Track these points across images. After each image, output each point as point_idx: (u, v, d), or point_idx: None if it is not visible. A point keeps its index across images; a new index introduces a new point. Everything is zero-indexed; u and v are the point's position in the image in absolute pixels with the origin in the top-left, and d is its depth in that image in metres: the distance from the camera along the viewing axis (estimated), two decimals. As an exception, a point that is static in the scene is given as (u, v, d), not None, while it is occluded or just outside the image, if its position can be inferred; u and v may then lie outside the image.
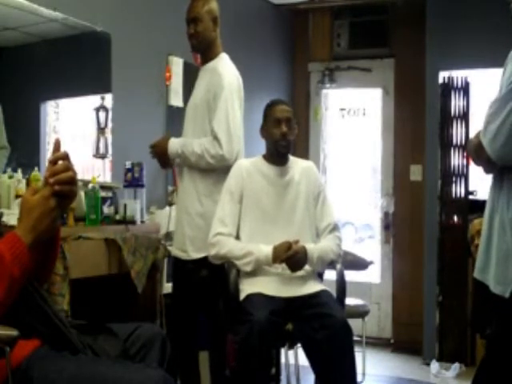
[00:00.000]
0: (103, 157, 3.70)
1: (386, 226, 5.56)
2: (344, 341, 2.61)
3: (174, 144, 3.03)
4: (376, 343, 5.31)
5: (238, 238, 2.92)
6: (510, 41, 2.22)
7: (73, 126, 3.69)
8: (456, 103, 4.81)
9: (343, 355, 2.62)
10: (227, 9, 3.44)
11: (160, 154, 3.10)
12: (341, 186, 5.93)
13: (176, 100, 4.18)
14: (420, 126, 5.06)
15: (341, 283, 2.91)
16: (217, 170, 2.99)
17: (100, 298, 3.11)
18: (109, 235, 2.94)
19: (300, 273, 2.84)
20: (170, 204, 3.73)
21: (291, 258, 2.78)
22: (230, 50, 3.15)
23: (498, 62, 2.14)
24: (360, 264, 4.30)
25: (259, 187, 2.96)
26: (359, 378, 2.76)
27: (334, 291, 2.90)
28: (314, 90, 5.87)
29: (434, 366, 4.60)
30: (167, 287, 3.32)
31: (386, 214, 5.56)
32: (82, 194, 3.04)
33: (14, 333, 1.51)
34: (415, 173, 5.38)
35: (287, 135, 2.95)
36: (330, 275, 3.02)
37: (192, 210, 3.01)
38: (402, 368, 4.79)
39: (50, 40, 3.50)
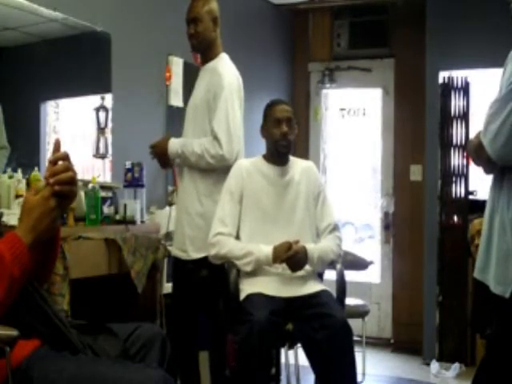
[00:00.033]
0: (103, 157, 3.70)
1: (386, 226, 5.56)
2: (344, 341, 2.61)
3: (174, 144, 3.03)
4: (376, 343, 5.31)
5: (238, 238, 2.92)
6: (509, 41, 2.22)
7: (73, 126, 3.69)
8: (456, 103, 4.81)
9: (343, 355, 2.62)
10: (227, 9, 3.44)
11: (160, 154, 3.10)
12: (341, 186, 5.93)
13: (176, 100, 4.18)
14: (420, 126, 5.06)
15: (341, 283, 2.91)
16: (217, 170, 2.99)
17: (100, 298, 3.11)
18: (109, 235, 2.94)
19: (300, 273, 2.84)
20: (170, 204, 3.73)
21: (291, 258, 2.78)
22: (230, 50, 3.15)
23: (498, 61, 2.14)
24: (360, 264, 4.30)
25: (259, 187, 2.96)
26: (359, 378, 2.76)
27: (334, 291, 2.90)
28: (314, 90, 5.87)
29: (434, 366, 4.60)
30: (167, 287, 3.32)
31: (385, 214, 5.56)
32: (81, 194, 3.04)
33: (14, 333, 1.51)
34: (415, 173, 5.38)
35: (287, 135, 2.95)
36: (330, 275, 3.02)
37: (192, 210, 3.01)
38: (402, 368, 4.79)
39: (49, 40, 3.50)
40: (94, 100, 3.69)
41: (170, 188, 4.02)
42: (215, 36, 3.08)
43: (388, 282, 5.52)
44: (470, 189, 4.78)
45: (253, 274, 2.83)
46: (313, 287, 2.85)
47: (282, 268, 2.83)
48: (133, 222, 3.26)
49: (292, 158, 3.08)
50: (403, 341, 5.26)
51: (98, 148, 3.68)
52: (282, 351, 3.09)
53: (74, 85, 3.64)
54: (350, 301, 3.46)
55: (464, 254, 4.61)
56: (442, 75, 4.84)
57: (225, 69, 3.01)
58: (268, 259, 2.80)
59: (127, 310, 3.16)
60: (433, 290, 4.78)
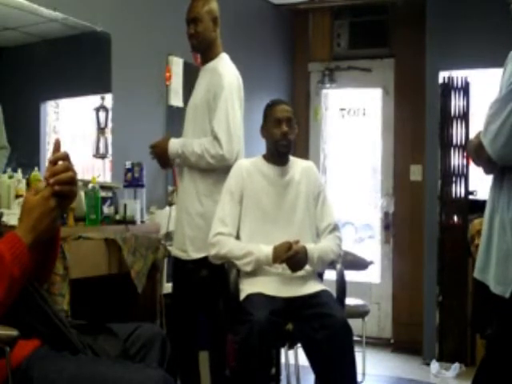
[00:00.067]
0: (103, 157, 3.70)
1: (386, 226, 5.56)
2: (344, 341, 2.61)
3: (174, 144, 3.03)
4: (376, 343, 5.31)
5: (238, 238, 2.92)
6: (509, 41, 2.23)
7: (73, 126, 3.69)
8: (456, 103, 4.81)
9: (343, 355, 2.62)
10: (227, 9, 3.44)
11: (160, 154, 3.10)
12: (341, 186, 5.93)
13: (176, 100, 4.18)
14: (420, 126, 5.06)
15: (341, 283, 2.91)
16: (217, 170, 2.99)
17: (100, 298, 3.11)
18: (109, 235, 2.94)
19: (300, 273, 2.84)
20: (170, 204, 3.73)
21: (291, 258, 2.78)
22: (230, 50, 3.15)
23: (498, 62, 2.14)
24: (360, 264, 4.30)
25: (259, 187, 2.96)
26: (359, 377, 2.76)
27: (334, 291, 2.90)
28: (314, 90, 5.87)
29: (434, 366, 4.60)
30: (167, 287, 3.32)
31: (385, 214, 5.56)
32: (81, 194, 3.04)
33: (14, 333, 1.51)
34: (415, 173, 5.38)
35: (288, 135, 2.95)
36: (330, 275, 3.02)
37: (192, 210, 3.01)
38: (402, 368, 4.79)
39: (49, 40, 3.50)
40: (93, 100, 3.69)
41: (170, 188, 4.02)
42: (215, 36, 3.08)
43: (388, 282, 5.52)
44: (470, 189, 4.78)
45: (253, 274, 2.83)
46: (313, 287, 2.85)
47: (282, 268, 2.83)
48: (133, 222, 3.26)
49: (292, 158, 3.08)
50: (403, 341, 5.26)
51: (98, 148, 3.68)
52: (282, 351, 3.09)
53: (73, 85, 3.64)
54: (349, 301, 3.46)
55: (464, 253, 4.61)
56: (442, 75, 4.84)
57: (225, 69, 3.01)
58: (268, 259, 2.80)
59: (127, 309, 3.16)
60: (433, 290, 4.78)
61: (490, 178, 2.12)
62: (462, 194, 4.79)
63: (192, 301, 3.06)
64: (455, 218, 4.81)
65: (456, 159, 4.80)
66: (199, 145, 2.94)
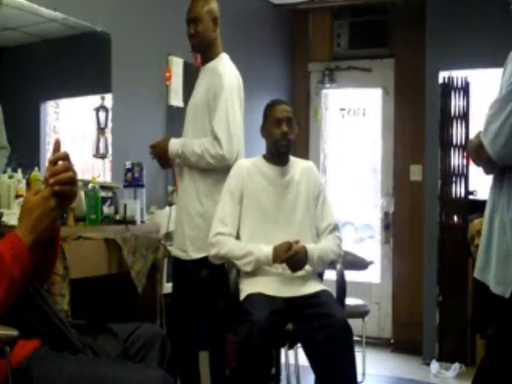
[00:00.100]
0: (103, 157, 3.70)
1: (386, 226, 5.56)
2: (344, 341, 2.61)
3: (174, 144, 3.03)
4: (376, 343, 5.31)
5: (238, 238, 2.92)
6: (509, 41, 2.22)
7: (73, 126, 3.69)
8: (456, 103, 4.81)
9: (343, 355, 2.62)
10: (227, 9, 3.44)
11: (160, 154, 3.10)
12: (341, 186, 5.93)
13: (176, 100, 4.18)
14: (420, 126, 5.06)
15: (341, 283, 2.91)
16: (217, 170, 2.99)
17: (100, 298, 3.11)
18: (109, 235, 2.94)
19: (300, 273, 2.84)
20: (170, 204, 3.73)
21: (292, 258, 2.78)
22: (230, 50, 3.15)
23: (498, 62, 2.14)
24: (360, 264, 4.30)
25: (259, 187, 2.96)
26: (359, 377, 2.76)
27: (334, 291, 2.90)
28: (314, 90, 5.87)
29: (434, 366, 4.60)
30: (167, 287, 3.32)
31: (386, 214, 5.56)
32: (82, 194, 3.04)
33: (14, 333, 1.51)
34: (415, 173, 5.38)
35: (288, 135, 2.95)
36: (330, 275, 3.02)
37: (192, 210, 3.01)
38: (402, 368, 4.79)
39: (49, 40, 3.50)
40: (94, 100, 3.69)
41: (170, 188, 4.02)
42: (215, 36, 3.08)
43: (388, 282, 5.52)
44: (470, 189, 4.78)
45: (253, 274, 2.83)
46: (313, 287, 2.85)
47: (282, 268, 2.83)
48: (133, 222, 3.26)
49: (292, 158, 3.08)
50: (403, 341, 5.26)
51: (98, 148, 3.68)
52: (282, 351, 3.09)
53: (74, 85, 3.64)
54: (349, 301, 3.46)
55: (464, 253, 4.61)
56: (442, 75, 4.84)
57: (225, 69, 3.01)
58: (268, 259, 2.80)
59: (127, 309, 3.16)
60: (433, 290, 4.78)
61: (489, 178, 2.12)
62: (462, 194, 4.79)
63: (192, 301, 3.06)
64: (455, 218, 4.81)
65: (456, 159, 4.80)
66: (199, 145, 2.94)
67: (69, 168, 1.56)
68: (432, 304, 4.79)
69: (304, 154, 5.46)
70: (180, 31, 3.20)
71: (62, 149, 1.59)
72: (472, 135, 2.15)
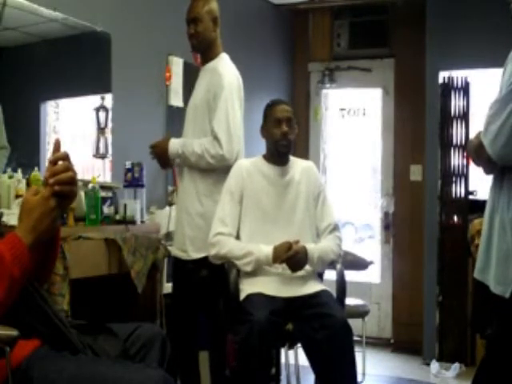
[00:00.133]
0: (103, 157, 3.70)
1: (386, 226, 5.56)
2: (344, 341, 2.61)
3: (174, 144, 3.03)
4: (376, 343, 5.31)
5: (238, 238, 2.92)
6: (510, 41, 2.22)
7: (73, 126, 3.69)
8: (456, 103, 4.81)
9: (343, 355, 2.62)
10: (227, 9, 3.44)
11: (160, 154, 3.10)
12: (341, 186, 5.93)
13: (176, 100, 4.18)
14: (420, 126, 5.06)
15: (341, 283, 2.91)
16: (217, 170, 2.99)
17: (100, 298, 3.11)
18: (109, 235, 2.94)
19: (300, 273, 2.84)
20: (170, 204, 3.73)
21: (292, 258, 2.78)
22: (230, 50, 3.15)
23: (498, 62, 2.14)
24: (360, 264, 4.30)
25: (259, 187, 2.96)
26: (359, 377, 2.76)
27: (334, 291, 2.90)
28: (314, 90, 5.87)
29: (434, 366, 4.60)
30: (167, 287, 3.32)
31: (386, 214, 5.56)
32: (81, 194, 3.04)
33: (14, 333, 1.51)
34: (415, 173, 5.38)
35: (288, 135, 2.95)
36: (330, 275, 3.02)
37: (192, 210, 3.01)
38: (402, 368, 4.79)
39: (49, 40, 3.50)
40: (94, 100, 3.68)
41: (170, 188, 4.02)
42: (215, 36, 3.08)
43: (388, 282, 5.52)
44: (470, 189, 4.78)
45: (253, 274, 2.83)
46: (313, 287, 2.85)
47: (282, 268, 2.83)
48: (133, 222, 3.26)
49: (292, 158, 3.08)
50: (403, 341, 5.26)
51: (98, 148, 3.68)
52: (282, 351, 3.09)
53: (74, 85, 3.64)
54: (349, 301, 3.46)
55: (464, 253, 4.61)
56: (442, 75, 4.84)
57: (225, 69, 3.01)
58: (268, 259, 2.80)
59: (127, 309, 3.16)
60: (433, 290, 4.78)
61: (489, 178, 2.12)
62: (462, 194, 4.79)
63: (192, 301, 3.06)
64: (455, 218, 4.81)
65: (456, 159, 4.80)
66: (199, 145, 2.94)
67: (69, 168, 1.56)
68: (432, 304, 4.79)
69: (304, 154, 5.46)
70: (180, 31, 3.20)
71: (62, 149, 1.59)
72: (472, 135, 2.15)
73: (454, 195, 4.81)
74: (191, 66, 4.16)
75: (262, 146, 3.08)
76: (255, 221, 2.93)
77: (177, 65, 4.19)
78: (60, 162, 1.56)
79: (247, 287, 2.79)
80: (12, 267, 1.50)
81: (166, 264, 3.33)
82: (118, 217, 3.28)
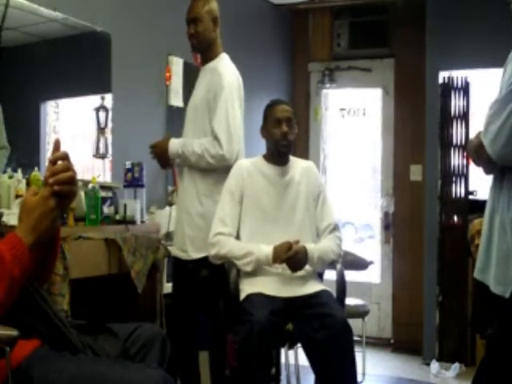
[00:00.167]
0: (103, 157, 3.70)
1: (386, 226, 5.56)
2: (344, 341, 2.61)
3: (175, 144, 3.03)
4: (376, 343, 5.31)
5: (238, 238, 2.92)
6: (509, 41, 2.22)
7: (73, 126, 3.69)
8: (456, 103, 4.81)
9: (343, 355, 2.62)
10: (227, 9, 3.44)
11: (160, 154, 3.10)
12: (341, 186, 5.93)
13: (176, 100, 4.18)
14: (420, 126, 5.06)
15: (341, 283, 2.91)
16: (217, 170, 2.99)
17: (100, 298, 3.11)
18: (109, 235, 2.94)
19: (300, 273, 2.84)
20: (170, 204, 3.73)
21: (292, 258, 2.78)
22: (230, 49, 3.15)
23: (498, 62, 2.14)
24: (360, 264, 4.30)
25: (259, 187, 2.96)
26: (359, 377, 2.76)
27: (334, 291, 2.90)
28: (314, 90, 5.87)
29: (434, 366, 4.60)
30: (167, 287, 3.32)
31: (386, 214, 5.56)
32: (81, 193, 3.04)
33: (14, 333, 1.51)
34: (415, 173, 5.38)
35: (288, 135, 2.95)
36: (330, 275, 3.02)
37: (192, 210, 3.01)
38: (402, 368, 4.79)
39: (49, 40, 3.50)
40: (93, 100, 3.68)
41: (170, 188, 4.02)
42: (215, 36, 3.08)
43: (388, 282, 5.52)
44: (470, 189, 4.78)
45: (253, 274, 2.83)
46: (313, 287, 2.85)
47: (282, 268, 2.83)
48: (133, 222, 3.26)
49: (292, 158, 3.08)
50: (403, 341, 5.26)
51: (98, 148, 3.68)
52: (282, 351, 3.09)
53: (74, 85, 3.64)
54: (350, 301, 3.46)
55: (464, 253, 4.61)
56: (442, 75, 4.84)
57: (225, 69, 3.01)
58: (268, 259, 2.80)
59: (127, 309, 3.16)
60: (433, 290, 4.78)
61: (489, 178, 2.12)
62: (462, 194, 4.79)
63: (192, 301, 3.06)
64: (455, 218, 4.81)
65: (456, 159, 4.80)
66: (199, 145, 2.94)
67: (68, 168, 1.56)
68: (432, 304, 4.79)
69: (304, 154, 5.46)
70: (180, 31, 3.20)
71: (62, 149, 1.59)
72: (472, 135, 2.15)
73: (454, 195, 4.81)
74: (191, 66, 4.16)
75: (262, 146, 3.08)
76: (255, 221, 2.93)
77: (177, 65, 4.19)
78: (60, 162, 1.56)
79: (247, 287, 2.79)
80: (12, 267, 1.50)
81: (166, 264, 3.33)
82: (117, 217, 3.27)
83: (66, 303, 2.59)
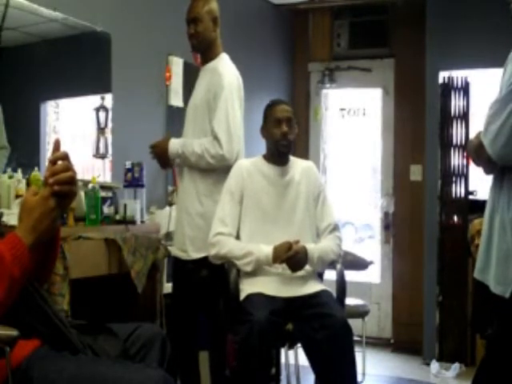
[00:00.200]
0: (103, 157, 3.70)
1: (386, 226, 5.56)
2: (344, 341, 2.61)
3: (175, 144, 3.03)
4: (376, 343, 5.31)
5: (238, 238, 2.92)
6: (510, 41, 2.22)
7: (73, 126, 3.69)
8: (456, 103, 4.81)
9: (343, 355, 2.62)
10: (227, 9, 3.44)
11: (160, 154, 3.10)
12: (341, 186, 5.93)
13: (176, 100, 4.18)
14: (420, 126, 5.06)
15: (341, 283, 2.91)
16: (217, 170, 2.99)
17: (100, 298, 3.11)
18: (109, 235, 2.94)
19: (300, 273, 2.84)
20: (170, 204, 3.73)
21: (292, 258, 2.78)
22: (230, 49, 3.15)
23: (498, 62, 2.14)
24: (360, 264, 4.29)
25: (259, 187, 2.96)
26: (359, 377, 2.76)
27: (334, 291, 2.90)
28: (314, 90, 5.87)
29: (434, 366, 4.60)
30: (167, 287, 3.32)
31: (386, 214, 5.56)
32: (81, 193, 3.04)
33: (14, 333, 1.51)
34: (415, 173, 5.38)
35: (288, 135, 2.95)
36: (330, 275, 3.02)
37: (192, 210, 3.01)
38: (402, 368, 4.79)
39: (50, 40, 3.50)
40: (94, 100, 3.68)
41: (170, 188, 4.02)
42: (215, 36, 3.08)
43: (388, 282, 5.52)
44: (470, 189, 4.78)
45: (253, 274, 2.83)
46: (313, 287, 2.85)
47: (282, 268, 2.83)
48: (133, 222, 3.26)
49: (292, 158, 3.08)
50: (403, 341, 5.26)
51: (98, 148, 3.68)
52: (282, 351, 3.09)
53: (74, 85, 3.64)
54: (349, 301, 3.46)
55: (464, 253, 4.61)
56: (442, 75, 4.84)
57: (225, 69, 3.01)
58: (268, 259, 2.80)
59: (127, 309, 3.16)
60: (433, 290, 4.78)
61: (490, 178, 2.12)
62: (462, 194, 4.79)
63: (192, 301, 3.07)
64: (455, 218, 4.81)
65: (456, 159, 4.80)
66: (199, 145, 2.94)
67: (68, 167, 1.56)
68: (432, 304, 4.79)
69: (304, 154, 5.46)
70: (180, 31, 3.20)
71: (62, 149, 1.59)
72: (472, 135, 2.15)
73: (454, 195, 4.81)
74: (191, 66, 4.16)
75: (262, 146, 3.08)
76: (255, 221, 2.93)
77: (177, 65, 4.20)
78: (60, 162, 1.56)
79: (247, 287, 2.79)
80: (12, 267, 1.49)
81: (166, 264, 3.33)
82: (118, 217, 3.27)
83: (66, 303, 2.59)
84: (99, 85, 3.72)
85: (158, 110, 4.10)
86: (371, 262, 4.42)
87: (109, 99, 3.68)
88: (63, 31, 3.47)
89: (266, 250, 2.81)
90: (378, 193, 5.68)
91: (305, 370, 3.17)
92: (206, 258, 2.91)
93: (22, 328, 1.54)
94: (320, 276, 3.06)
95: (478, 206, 3.65)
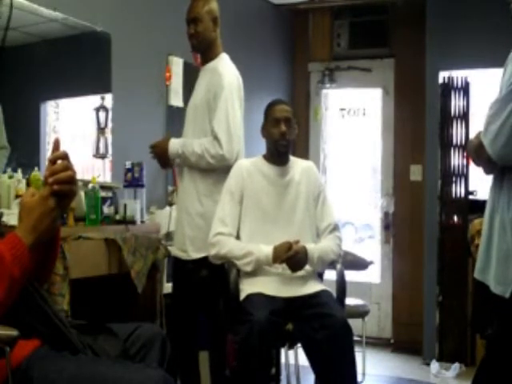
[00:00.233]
0: (103, 157, 3.70)
1: (386, 226, 5.56)
2: (344, 341, 2.61)
3: (175, 144, 3.03)
4: (376, 343, 5.31)
5: (238, 238, 2.92)
6: (509, 41, 2.22)
7: (73, 126, 3.69)
8: (456, 103, 4.81)
9: (343, 355, 2.62)
10: (227, 9, 3.44)
11: (160, 154, 3.10)
12: (341, 186, 5.93)
13: (176, 100, 4.18)
14: (420, 126, 5.06)
15: (341, 283, 2.91)
16: (217, 170, 2.99)
17: (100, 298, 3.11)
18: (109, 235, 2.94)
19: (300, 273, 2.84)
20: (170, 204, 3.73)
21: (292, 258, 2.78)
22: (230, 49, 3.15)
23: (498, 62, 2.14)
24: (360, 264, 4.30)
25: (259, 187, 2.96)
26: (359, 377, 2.76)
27: (334, 291, 2.90)
28: (314, 90, 5.87)
29: (434, 366, 4.60)
30: (167, 287, 3.32)
31: (386, 214, 5.56)
32: (81, 193, 3.04)
33: (14, 333, 1.51)
34: (415, 173, 5.38)
35: (286, 135, 2.95)
36: (330, 275, 3.02)
37: (192, 210, 3.01)
38: (402, 368, 4.79)
39: (49, 40, 3.50)
40: (94, 100, 3.68)
41: (170, 188, 4.02)
42: (215, 36, 3.08)
43: (388, 282, 5.52)
44: (470, 189, 4.78)
45: (253, 274, 2.83)
46: (313, 287, 2.85)
47: (282, 268, 2.83)
48: (133, 222, 3.26)
49: (292, 158, 3.08)
50: (403, 341, 5.26)
51: (98, 148, 3.68)
52: (282, 351, 3.09)
53: (74, 85, 3.64)
54: (349, 301, 3.46)
55: (464, 253, 4.61)
56: (442, 75, 4.84)
57: (225, 69, 3.01)
58: (268, 259, 2.80)
59: (127, 309, 3.16)
60: (433, 290, 4.78)
61: (489, 178, 2.12)
62: (462, 194, 4.79)
63: (192, 301, 3.07)
64: (455, 218, 4.81)
65: (456, 159, 4.80)
66: (199, 145, 2.94)
67: (68, 167, 1.56)
68: (432, 304, 4.79)
69: (304, 154, 5.46)
70: (180, 31, 3.20)
71: (62, 148, 1.59)
72: (472, 135, 2.15)
73: (454, 195, 4.81)
74: (191, 66, 4.16)
75: (262, 146, 3.08)
76: (255, 221, 2.93)
77: (177, 65, 4.20)
78: (59, 161, 1.56)
79: (247, 287, 2.79)
80: (12, 267, 1.49)
81: (166, 264, 3.33)
82: (118, 217, 3.27)
83: (66, 303, 2.59)
84: (99, 85, 3.72)
85: (158, 109, 4.10)
86: (371, 262, 4.42)
87: (109, 99, 3.68)
88: (63, 31, 3.47)
89: (265, 250, 2.81)
90: (378, 193, 5.68)
91: (305, 370, 3.17)
92: (206, 258, 2.91)
93: (22, 328, 1.54)
94: (320, 276, 3.06)
95: (478, 206, 3.65)
